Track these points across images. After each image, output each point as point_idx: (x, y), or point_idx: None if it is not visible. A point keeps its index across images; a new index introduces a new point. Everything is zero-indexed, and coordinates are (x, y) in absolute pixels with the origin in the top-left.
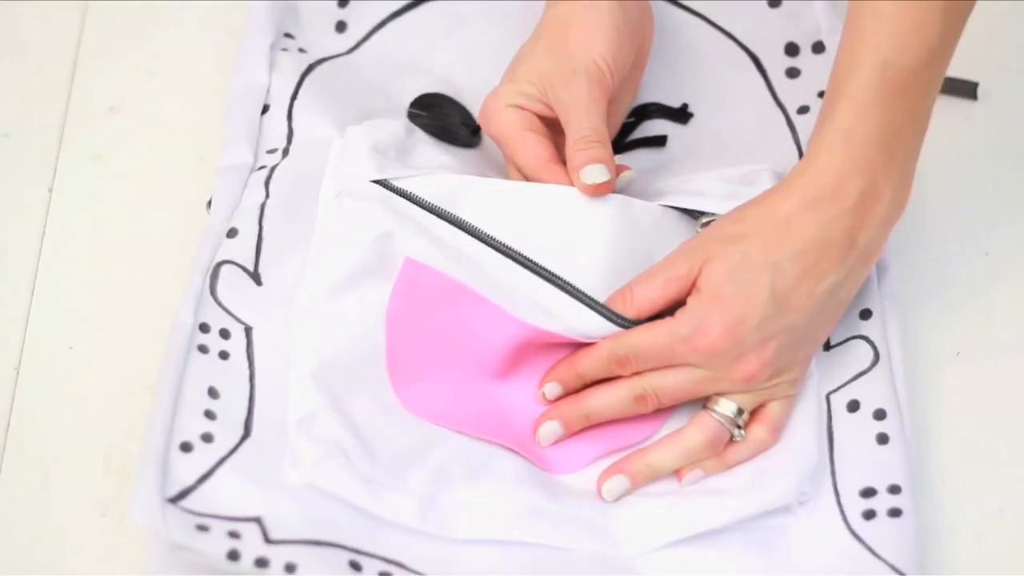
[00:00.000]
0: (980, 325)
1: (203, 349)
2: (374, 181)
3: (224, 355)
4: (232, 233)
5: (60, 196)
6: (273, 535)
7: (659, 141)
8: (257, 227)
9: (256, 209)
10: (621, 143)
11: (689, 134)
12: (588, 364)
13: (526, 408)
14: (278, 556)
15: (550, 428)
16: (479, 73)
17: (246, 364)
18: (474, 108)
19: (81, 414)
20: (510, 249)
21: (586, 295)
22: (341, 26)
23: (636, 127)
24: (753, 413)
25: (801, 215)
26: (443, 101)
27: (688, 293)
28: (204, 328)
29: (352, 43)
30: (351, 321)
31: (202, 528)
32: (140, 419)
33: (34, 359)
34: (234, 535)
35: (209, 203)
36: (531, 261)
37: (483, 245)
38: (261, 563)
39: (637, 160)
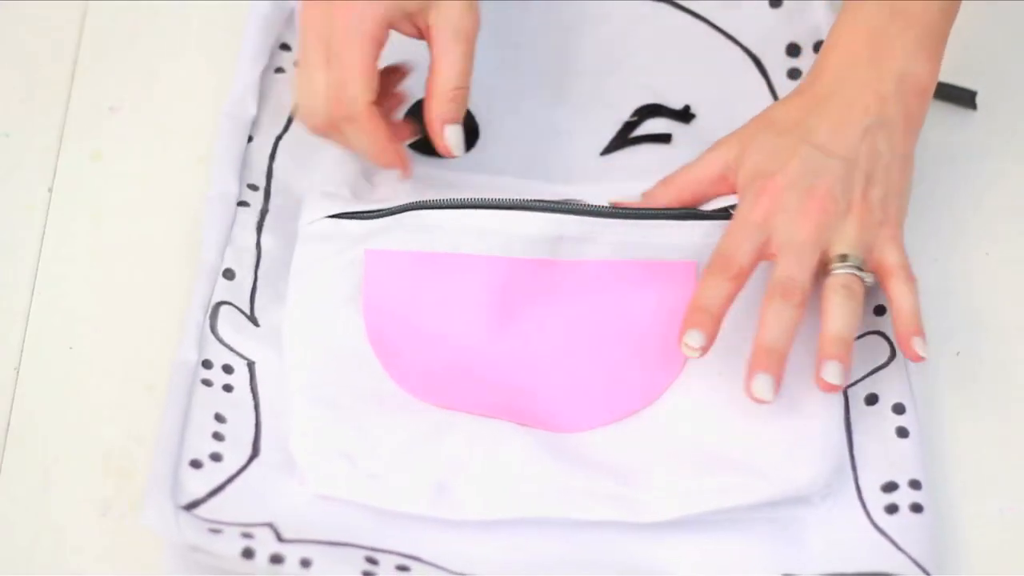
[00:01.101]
0: (980, 325)
1: (207, 383)
2: (330, 216)
3: (228, 388)
4: (229, 275)
5: (60, 196)
6: (286, 536)
7: (664, 138)
8: (252, 276)
9: (251, 256)
10: (625, 139)
11: (692, 134)
12: (702, 293)
13: (523, 374)
14: (293, 553)
15: (761, 382)
16: (482, 72)
17: (250, 396)
18: (476, 108)
19: (81, 414)
20: (472, 199)
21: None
22: None
23: (638, 126)
24: (880, 276)
25: (816, 87)
26: None
27: (730, 182)
28: (207, 364)
29: None
30: (339, 335)
31: (215, 531)
32: (140, 419)
33: (34, 359)
34: (247, 535)
35: None
36: (496, 200)
37: (441, 210)
38: (276, 560)
39: (641, 156)
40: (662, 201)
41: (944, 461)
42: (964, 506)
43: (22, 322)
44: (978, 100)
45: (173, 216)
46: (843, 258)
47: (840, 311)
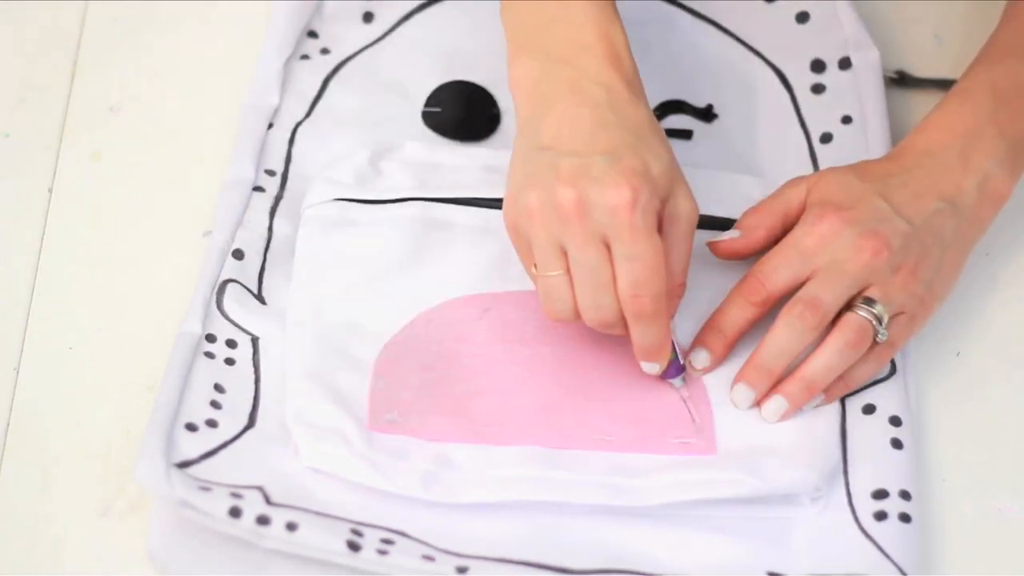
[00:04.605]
0: (980, 325)
1: (209, 355)
2: (332, 200)
3: (230, 361)
4: (238, 255)
5: (60, 196)
6: (275, 499)
7: (685, 135)
8: (262, 258)
9: (262, 239)
10: None
11: (713, 134)
12: (722, 314)
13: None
14: (280, 516)
15: (742, 393)
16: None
17: (252, 370)
18: (500, 95)
19: (81, 414)
20: (474, 197)
21: None
22: (368, 16)
23: (660, 120)
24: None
25: (904, 158)
26: (467, 90)
27: (797, 216)
28: (210, 338)
29: (380, 32)
30: (340, 315)
31: (205, 489)
32: (140, 419)
33: (34, 359)
34: (236, 495)
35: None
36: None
37: (444, 204)
38: (262, 521)
39: None
40: (755, 230)
41: (944, 461)
42: (964, 506)
43: (22, 322)
44: None
45: (173, 216)
46: (870, 302)
47: (831, 354)
